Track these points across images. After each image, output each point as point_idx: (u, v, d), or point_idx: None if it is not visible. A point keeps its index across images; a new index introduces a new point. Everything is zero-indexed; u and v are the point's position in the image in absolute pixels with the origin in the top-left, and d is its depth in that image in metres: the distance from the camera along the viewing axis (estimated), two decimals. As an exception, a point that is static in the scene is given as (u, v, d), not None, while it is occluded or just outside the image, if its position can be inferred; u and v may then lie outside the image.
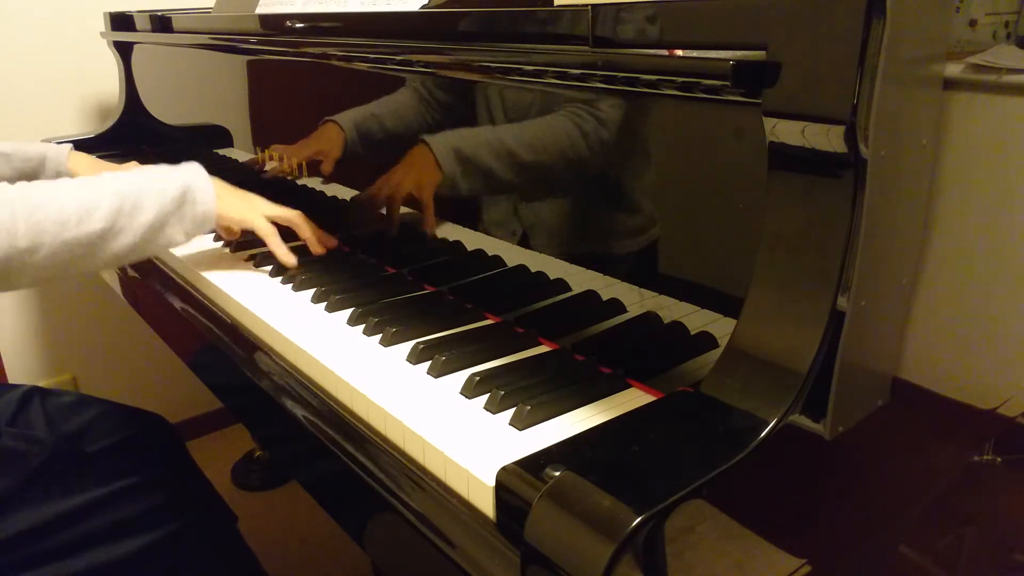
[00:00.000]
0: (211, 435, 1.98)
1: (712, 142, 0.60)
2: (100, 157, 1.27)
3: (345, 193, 1.04)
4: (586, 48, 0.61)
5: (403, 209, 0.93)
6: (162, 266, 1.06)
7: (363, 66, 0.91)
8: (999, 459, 0.71)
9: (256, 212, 0.95)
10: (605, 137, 0.67)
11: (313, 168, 1.08)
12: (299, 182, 1.12)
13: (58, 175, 1.16)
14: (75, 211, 0.80)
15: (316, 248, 0.97)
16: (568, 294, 0.75)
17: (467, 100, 0.80)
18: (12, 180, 1.11)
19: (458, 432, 0.59)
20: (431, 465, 0.58)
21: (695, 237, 0.65)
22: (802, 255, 0.50)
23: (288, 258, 0.93)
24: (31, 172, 1.16)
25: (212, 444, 1.94)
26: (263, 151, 1.20)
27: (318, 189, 1.09)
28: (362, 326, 0.78)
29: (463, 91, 0.81)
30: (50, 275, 0.82)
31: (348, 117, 0.99)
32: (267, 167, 1.18)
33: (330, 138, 1.02)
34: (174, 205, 0.87)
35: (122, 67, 1.60)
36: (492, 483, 0.51)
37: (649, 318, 0.68)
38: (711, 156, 0.61)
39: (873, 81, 0.45)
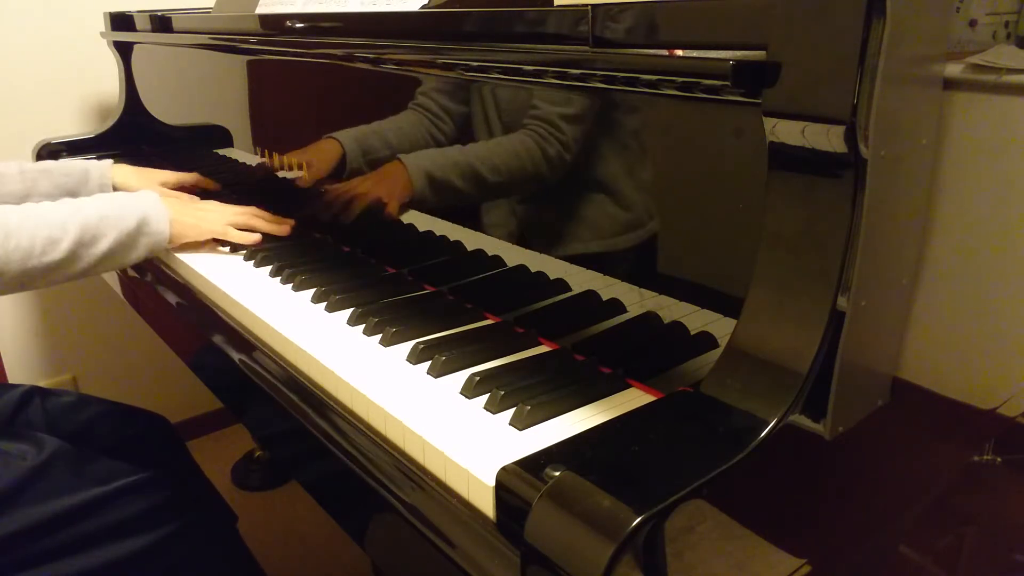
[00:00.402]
0: (211, 435, 1.98)
1: (712, 142, 0.60)
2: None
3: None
4: (586, 48, 0.61)
5: (397, 212, 0.93)
6: (162, 266, 1.06)
7: (363, 66, 0.91)
8: (999, 459, 0.71)
9: (210, 226, 1.02)
10: (567, 159, 0.70)
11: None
12: (298, 182, 1.12)
13: (102, 187, 1.21)
14: (41, 242, 0.87)
15: (280, 232, 1.06)
16: (568, 294, 0.75)
17: (462, 104, 0.80)
18: (53, 195, 1.17)
19: (458, 432, 0.59)
20: (431, 465, 0.58)
21: (695, 237, 0.64)
22: (802, 255, 0.50)
23: (248, 239, 1.02)
24: (72, 187, 1.20)
25: (212, 444, 1.94)
26: (265, 153, 1.20)
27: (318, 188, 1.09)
28: (362, 326, 0.78)
29: (461, 97, 0.81)
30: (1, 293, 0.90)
31: (349, 134, 1.00)
32: (279, 174, 1.18)
33: (326, 152, 1.03)
34: (130, 237, 0.94)
35: (122, 67, 1.60)
36: (492, 483, 0.51)
37: (649, 318, 0.68)
38: (711, 156, 0.61)
39: (873, 81, 0.45)
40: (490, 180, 0.79)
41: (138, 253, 0.96)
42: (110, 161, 1.24)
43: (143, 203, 0.97)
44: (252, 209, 1.08)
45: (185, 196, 1.16)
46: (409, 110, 0.88)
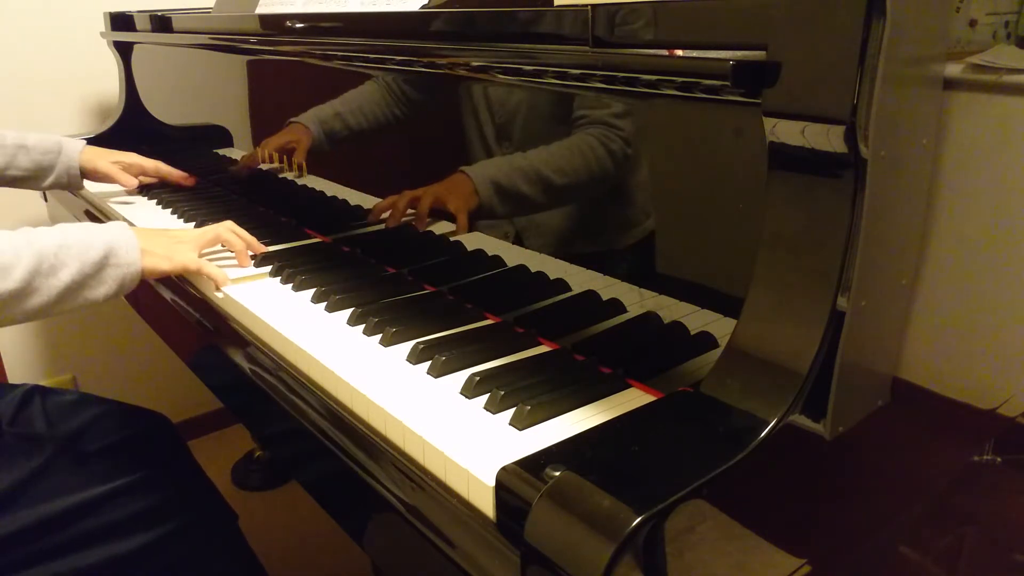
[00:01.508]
0: (211, 435, 1.98)
1: (712, 142, 0.60)
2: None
3: (340, 192, 1.04)
4: (586, 48, 0.61)
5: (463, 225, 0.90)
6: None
7: (363, 66, 0.91)
8: (999, 459, 0.71)
9: (184, 255, 0.92)
10: (630, 153, 0.67)
11: (313, 167, 1.08)
12: (299, 182, 1.12)
13: (69, 171, 1.26)
14: None
15: (243, 262, 0.97)
16: (568, 294, 0.75)
17: (456, 100, 0.81)
18: (30, 171, 1.20)
19: (458, 432, 0.59)
20: (431, 465, 0.58)
21: (695, 237, 0.65)
22: (802, 255, 0.50)
23: (220, 276, 0.92)
24: (48, 164, 1.24)
25: (212, 444, 1.94)
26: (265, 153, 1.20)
27: (318, 188, 1.09)
28: (362, 326, 0.78)
29: (425, 89, 0.81)
30: None
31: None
32: (264, 166, 1.19)
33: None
34: (94, 268, 0.84)
35: (122, 67, 1.60)
36: (492, 483, 0.51)
37: (649, 318, 0.68)
38: (711, 156, 0.61)
39: (873, 81, 0.45)
40: (558, 183, 0.75)
41: (107, 287, 0.85)
42: (83, 143, 1.29)
43: (109, 232, 0.87)
44: (224, 228, 0.97)
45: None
46: (371, 81, 0.87)
